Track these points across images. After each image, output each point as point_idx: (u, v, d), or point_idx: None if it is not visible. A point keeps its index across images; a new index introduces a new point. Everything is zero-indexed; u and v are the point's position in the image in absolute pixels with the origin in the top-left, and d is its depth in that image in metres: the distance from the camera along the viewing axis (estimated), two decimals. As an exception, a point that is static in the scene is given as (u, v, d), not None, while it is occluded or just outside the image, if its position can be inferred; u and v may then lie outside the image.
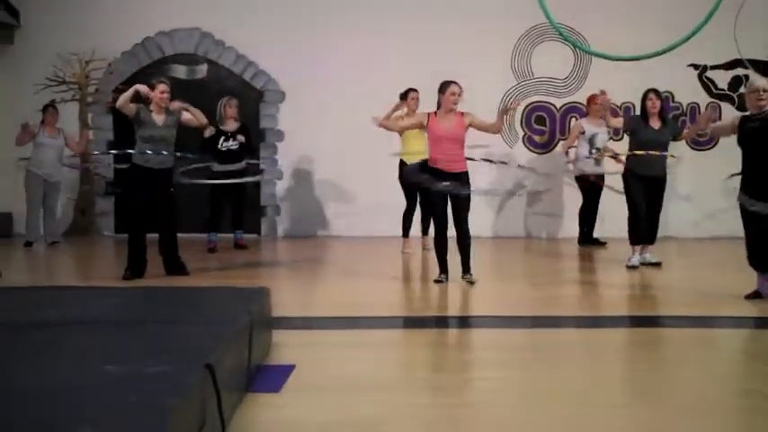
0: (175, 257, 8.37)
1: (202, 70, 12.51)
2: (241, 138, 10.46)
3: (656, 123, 9.00)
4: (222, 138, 10.38)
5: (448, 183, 7.84)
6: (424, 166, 8.27)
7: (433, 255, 8.40)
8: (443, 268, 8.11)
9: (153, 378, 3.28)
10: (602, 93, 9.00)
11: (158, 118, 8.16)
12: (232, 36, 12.38)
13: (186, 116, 8.36)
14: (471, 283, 7.95)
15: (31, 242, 10.99)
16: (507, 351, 5.64)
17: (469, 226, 8.03)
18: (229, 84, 12.35)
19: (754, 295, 7.16)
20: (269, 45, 12.23)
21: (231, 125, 10.49)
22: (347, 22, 12.19)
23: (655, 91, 9.11)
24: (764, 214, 6.91)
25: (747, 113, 7.28)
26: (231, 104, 10.57)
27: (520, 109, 12.35)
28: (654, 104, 8.97)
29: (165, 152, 8.13)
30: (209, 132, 9.91)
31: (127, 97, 7.95)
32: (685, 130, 9.46)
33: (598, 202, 10.98)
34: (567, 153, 11.30)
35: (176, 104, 8.34)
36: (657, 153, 8.78)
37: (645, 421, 4.15)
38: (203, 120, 8.55)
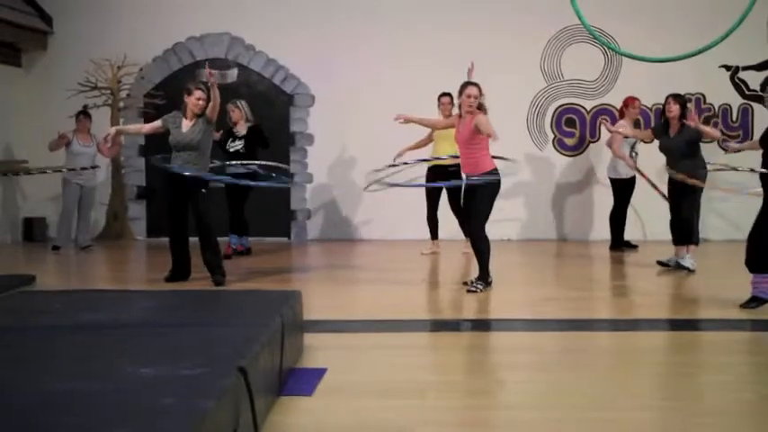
0: (208, 262, 8.26)
1: (233, 75, 12.57)
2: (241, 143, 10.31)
3: (672, 130, 8.95)
4: (230, 139, 10.31)
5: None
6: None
7: (459, 256, 8.37)
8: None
9: (186, 381, 3.31)
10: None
11: (186, 124, 8.18)
12: (262, 40, 12.44)
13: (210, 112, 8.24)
14: (472, 291, 7.75)
15: (59, 246, 11.08)
16: (536, 354, 5.65)
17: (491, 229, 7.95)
18: (259, 88, 12.43)
19: None
20: (298, 49, 12.28)
21: (241, 128, 10.32)
22: (376, 25, 12.22)
23: (674, 96, 9.03)
24: None
25: None
26: (233, 107, 10.33)
27: (550, 111, 12.32)
28: (669, 109, 8.92)
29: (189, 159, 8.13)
30: (218, 136, 9.82)
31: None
32: (709, 130, 9.15)
33: (628, 205, 10.87)
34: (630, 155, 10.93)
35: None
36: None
37: (675, 425, 4.14)
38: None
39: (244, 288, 7.85)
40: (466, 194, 8.08)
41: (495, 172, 7.81)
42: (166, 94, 12.14)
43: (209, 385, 3.20)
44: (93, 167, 11.18)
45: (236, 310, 5.11)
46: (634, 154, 10.49)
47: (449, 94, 9.92)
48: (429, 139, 10.34)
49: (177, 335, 4.28)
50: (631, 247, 10.95)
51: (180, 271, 8.29)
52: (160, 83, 12.50)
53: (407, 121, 8.37)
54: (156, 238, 12.25)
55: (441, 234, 10.69)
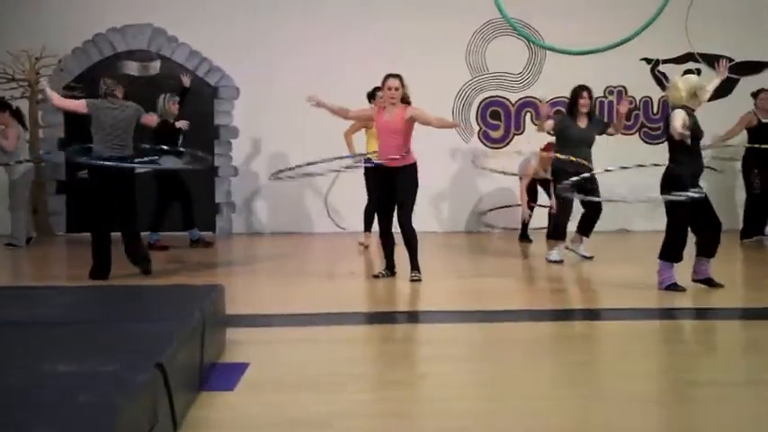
0: (135, 253, 8.25)
1: (155, 67, 12.39)
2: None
3: (582, 122, 9.13)
4: (181, 136, 10.35)
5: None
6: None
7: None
8: (387, 263, 8.25)
9: (103, 377, 3.31)
10: (542, 102, 9.33)
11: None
12: (185, 32, 12.26)
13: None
14: (416, 281, 7.95)
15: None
16: (458, 345, 5.73)
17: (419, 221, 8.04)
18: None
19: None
20: (223, 41, 12.14)
21: (182, 123, 10.38)
22: (303, 19, 12.13)
23: (587, 89, 9.20)
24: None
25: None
26: (174, 101, 10.44)
27: (475, 104, 12.41)
28: (585, 103, 9.09)
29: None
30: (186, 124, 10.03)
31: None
32: (611, 129, 9.42)
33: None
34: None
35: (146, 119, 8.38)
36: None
37: (588, 410, 4.24)
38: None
39: (166, 283, 7.77)
40: (388, 187, 8.06)
41: (415, 163, 8.00)
42: (86, 86, 11.90)
43: (126, 382, 3.22)
44: (19, 162, 10.89)
45: (157, 306, 5.09)
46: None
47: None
48: (358, 127, 10.32)
49: (96, 331, 4.25)
50: (528, 241, 11.05)
51: (106, 266, 8.14)
52: (80, 75, 12.24)
53: (319, 105, 8.32)
54: (77, 233, 12.03)
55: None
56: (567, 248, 9.33)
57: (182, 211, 10.73)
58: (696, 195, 7.09)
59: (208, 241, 11.01)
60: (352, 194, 10.79)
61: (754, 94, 11.00)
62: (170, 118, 10.31)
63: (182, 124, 10.25)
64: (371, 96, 10.01)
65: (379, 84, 9.81)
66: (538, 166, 10.36)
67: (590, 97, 9.16)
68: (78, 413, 2.88)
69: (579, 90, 9.19)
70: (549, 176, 9.83)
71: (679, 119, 7.10)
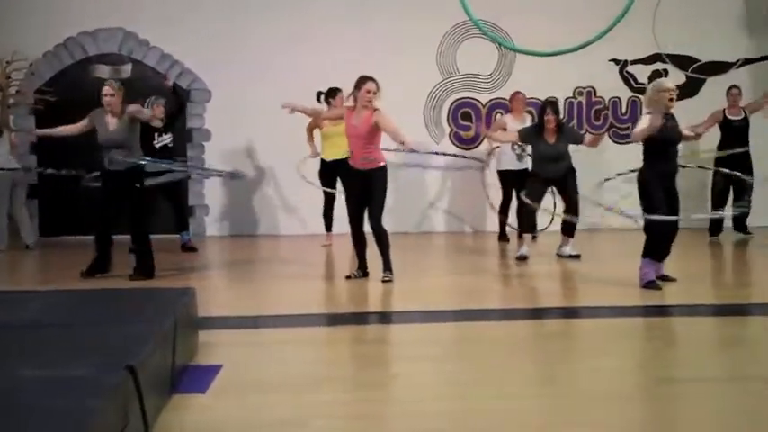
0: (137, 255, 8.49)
1: (127, 70, 12.37)
2: (168, 137, 10.51)
3: (551, 137, 9.23)
4: (156, 133, 10.39)
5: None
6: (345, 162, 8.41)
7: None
8: (360, 264, 8.33)
9: (74, 381, 3.32)
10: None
11: (111, 122, 8.26)
12: (156, 35, 12.27)
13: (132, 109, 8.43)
14: (388, 281, 8.02)
15: None
16: (431, 345, 5.73)
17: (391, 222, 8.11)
18: (154, 83, 12.22)
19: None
20: (194, 45, 12.17)
21: (159, 123, 10.49)
22: (272, 22, 12.18)
23: (552, 106, 9.33)
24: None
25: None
26: (159, 104, 10.59)
27: (446, 105, 12.49)
28: (550, 121, 9.19)
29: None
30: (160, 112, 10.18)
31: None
32: (587, 138, 9.58)
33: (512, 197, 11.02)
34: (491, 151, 11.32)
35: (132, 108, 8.40)
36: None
37: (563, 408, 4.29)
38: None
39: (138, 286, 7.77)
40: (359, 188, 8.12)
41: (385, 165, 8.07)
42: (57, 90, 11.92)
43: (96, 385, 3.23)
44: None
45: (129, 309, 5.10)
46: (517, 146, 10.61)
47: (341, 90, 9.93)
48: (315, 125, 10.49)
49: (68, 335, 4.27)
50: (505, 239, 11.14)
51: (103, 263, 8.40)
52: (51, 79, 12.22)
53: (294, 110, 8.47)
54: (47, 237, 12.02)
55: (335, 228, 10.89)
56: (557, 254, 9.55)
57: (174, 214, 10.87)
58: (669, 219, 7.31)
59: (194, 246, 11.00)
60: (317, 197, 10.91)
61: (728, 90, 11.07)
62: (153, 121, 10.34)
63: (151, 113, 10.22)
64: (328, 96, 10.22)
65: (337, 86, 9.96)
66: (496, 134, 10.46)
67: (555, 112, 9.26)
68: (50, 417, 2.90)
69: (543, 107, 9.33)
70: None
71: (641, 123, 7.34)
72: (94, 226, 8.52)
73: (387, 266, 8.10)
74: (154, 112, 10.39)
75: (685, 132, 7.81)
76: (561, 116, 9.50)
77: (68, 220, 12.27)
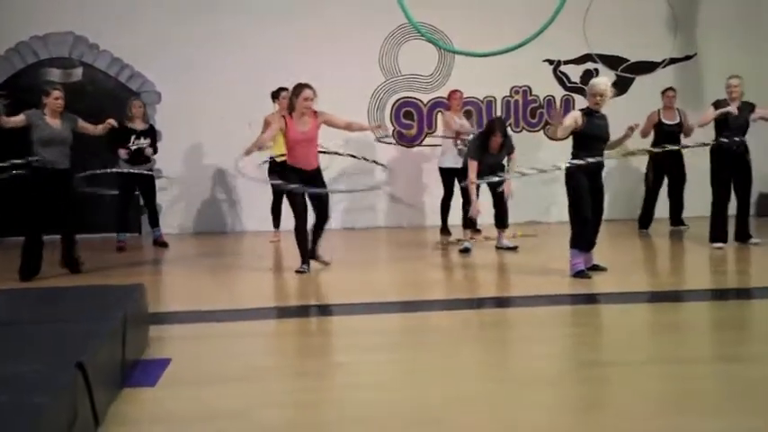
0: (74, 255, 8.77)
1: (77, 73, 12.48)
2: (146, 141, 10.82)
3: (495, 149, 9.58)
4: (133, 136, 10.69)
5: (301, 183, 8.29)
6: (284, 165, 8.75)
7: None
8: (306, 260, 8.57)
9: (23, 378, 3.38)
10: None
11: (54, 122, 8.47)
12: (106, 39, 12.36)
13: (82, 123, 8.80)
14: (326, 263, 8.64)
15: None
16: (375, 335, 5.92)
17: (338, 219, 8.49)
18: (105, 86, 12.40)
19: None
20: (143, 48, 12.27)
21: (140, 125, 10.84)
22: (218, 21, 12.33)
23: (501, 126, 9.65)
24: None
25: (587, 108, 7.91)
26: (136, 104, 10.90)
27: (389, 105, 12.79)
28: (497, 142, 9.51)
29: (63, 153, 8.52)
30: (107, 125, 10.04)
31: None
32: (514, 155, 9.92)
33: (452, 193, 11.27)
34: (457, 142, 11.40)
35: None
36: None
37: (500, 392, 4.51)
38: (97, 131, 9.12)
39: (91, 283, 7.90)
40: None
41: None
42: (10, 93, 12.03)
43: (45, 382, 3.30)
44: None
45: (79, 306, 5.13)
46: (459, 142, 10.97)
47: (287, 89, 10.18)
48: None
49: (18, 333, 4.34)
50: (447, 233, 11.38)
51: (37, 267, 8.46)
52: (3, 82, 12.30)
53: (257, 148, 8.89)
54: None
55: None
56: (496, 247, 9.98)
57: (148, 212, 11.29)
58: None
59: (165, 242, 11.32)
60: (263, 195, 11.20)
61: (663, 92, 11.21)
62: (129, 121, 10.75)
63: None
64: (275, 96, 10.50)
65: (285, 86, 10.17)
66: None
67: (503, 135, 9.55)
68: (-2, 414, 2.97)
69: (493, 128, 9.56)
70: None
71: (566, 119, 7.78)
72: (29, 226, 8.47)
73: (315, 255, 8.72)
74: (132, 111, 10.79)
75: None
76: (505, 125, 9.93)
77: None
